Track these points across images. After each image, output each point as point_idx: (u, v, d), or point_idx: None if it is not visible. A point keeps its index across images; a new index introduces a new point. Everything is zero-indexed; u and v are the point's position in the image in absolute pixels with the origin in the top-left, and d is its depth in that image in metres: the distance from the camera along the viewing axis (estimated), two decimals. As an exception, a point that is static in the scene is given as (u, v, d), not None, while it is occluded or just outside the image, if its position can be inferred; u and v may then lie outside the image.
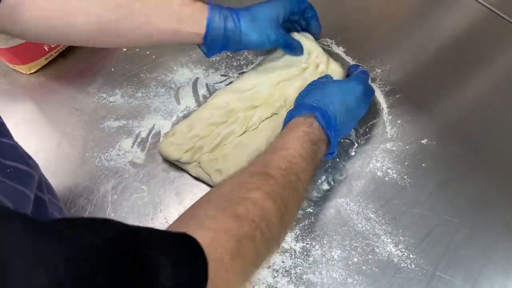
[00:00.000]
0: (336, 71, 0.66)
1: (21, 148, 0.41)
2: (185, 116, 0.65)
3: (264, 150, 0.52)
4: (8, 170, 0.36)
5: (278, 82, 0.64)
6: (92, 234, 0.27)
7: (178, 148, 0.60)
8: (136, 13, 0.53)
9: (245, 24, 0.58)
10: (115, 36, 0.55)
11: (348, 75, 0.65)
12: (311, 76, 0.65)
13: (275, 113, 0.63)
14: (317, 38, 0.68)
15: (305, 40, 0.66)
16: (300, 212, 0.58)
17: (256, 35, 0.58)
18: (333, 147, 0.54)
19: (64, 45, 0.72)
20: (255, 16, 0.59)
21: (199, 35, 0.57)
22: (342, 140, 0.63)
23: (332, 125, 0.53)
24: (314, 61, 0.65)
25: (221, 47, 0.59)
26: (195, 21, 0.56)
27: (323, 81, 0.59)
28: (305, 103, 0.55)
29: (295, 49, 0.64)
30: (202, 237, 0.34)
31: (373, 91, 0.61)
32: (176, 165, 0.62)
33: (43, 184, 0.44)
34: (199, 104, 0.67)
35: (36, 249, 0.23)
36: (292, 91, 0.63)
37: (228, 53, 0.72)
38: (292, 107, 0.60)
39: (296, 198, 0.47)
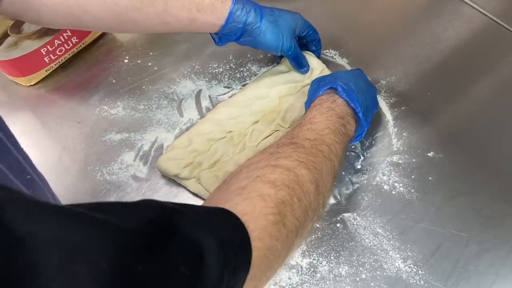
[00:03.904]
0: None
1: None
2: (188, 129, 0.64)
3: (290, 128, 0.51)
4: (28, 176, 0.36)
5: (280, 97, 0.64)
6: (129, 218, 0.25)
7: (176, 163, 0.58)
8: (156, 1, 0.53)
9: (266, 24, 0.58)
10: (133, 23, 0.54)
11: None
12: None
13: (276, 130, 0.62)
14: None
15: (309, 56, 0.66)
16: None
17: (273, 37, 0.59)
18: (362, 120, 0.54)
19: (74, 52, 0.71)
20: (277, 19, 0.59)
21: (216, 25, 0.57)
22: (348, 153, 0.62)
23: (355, 99, 0.53)
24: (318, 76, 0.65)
25: (234, 39, 0.59)
26: (216, 11, 0.55)
27: (330, 74, 0.59)
28: (325, 82, 0.55)
29: (301, 64, 0.64)
30: (242, 208, 0.34)
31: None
32: (178, 180, 0.60)
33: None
34: (202, 117, 0.66)
35: (72, 237, 0.21)
36: (294, 107, 0.62)
37: (232, 65, 0.71)
38: (293, 124, 0.58)
39: (330, 167, 0.46)
